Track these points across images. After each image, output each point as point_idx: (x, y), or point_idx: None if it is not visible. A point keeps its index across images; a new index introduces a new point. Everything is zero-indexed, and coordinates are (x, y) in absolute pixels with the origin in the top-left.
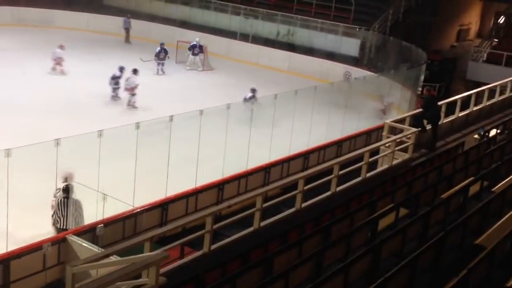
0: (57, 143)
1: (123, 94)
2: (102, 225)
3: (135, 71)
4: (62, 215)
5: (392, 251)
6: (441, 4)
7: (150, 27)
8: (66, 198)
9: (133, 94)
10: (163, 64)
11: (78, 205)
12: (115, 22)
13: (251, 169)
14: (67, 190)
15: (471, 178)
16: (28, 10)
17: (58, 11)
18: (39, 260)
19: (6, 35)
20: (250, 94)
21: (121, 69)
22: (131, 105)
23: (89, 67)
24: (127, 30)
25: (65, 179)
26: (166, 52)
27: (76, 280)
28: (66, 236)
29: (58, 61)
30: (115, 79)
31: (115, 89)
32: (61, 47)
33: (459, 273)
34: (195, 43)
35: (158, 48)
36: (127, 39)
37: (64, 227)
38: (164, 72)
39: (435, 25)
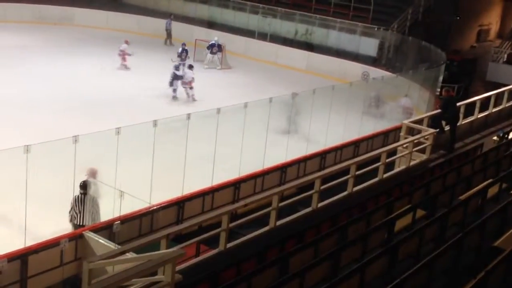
0: (76, 140)
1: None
2: (119, 222)
3: (190, 67)
4: (79, 212)
5: (409, 252)
6: (461, 4)
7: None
8: (83, 194)
9: (191, 88)
10: (184, 64)
11: (94, 201)
12: (134, 20)
13: (268, 168)
14: (84, 186)
15: (490, 180)
16: (48, 8)
17: (78, 9)
18: (56, 255)
19: (27, 32)
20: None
21: (177, 67)
22: (191, 98)
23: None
24: (168, 31)
25: (90, 175)
26: (187, 52)
27: (93, 276)
28: (83, 232)
29: (123, 55)
30: (176, 79)
31: (175, 90)
32: (126, 42)
33: (477, 275)
34: (213, 42)
35: (180, 49)
36: (169, 41)
37: (81, 224)
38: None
39: (455, 25)
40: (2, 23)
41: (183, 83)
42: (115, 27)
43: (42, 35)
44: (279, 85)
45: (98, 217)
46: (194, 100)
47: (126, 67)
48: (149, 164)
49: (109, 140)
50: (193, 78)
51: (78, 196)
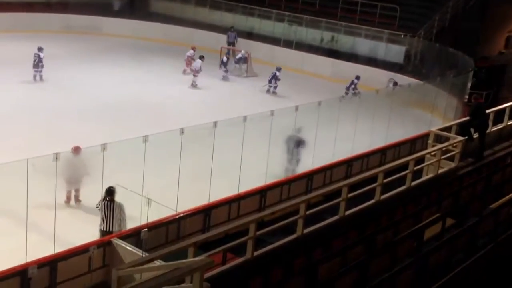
0: (104, 148)
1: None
2: (146, 229)
3: (201, 57)
4: (105, 217)
5: (439, 262)
6: (489, 10)
7: (194, 34)
8: (110, 201)
9: (195, 76)
10: (226, 71)
11: (122, 209)
12: (160, 29)
13: (294, 176)
14: (110, 192)
15: None
16: (76, 18)
17: (106, 18)
18: (85, 262)
19: (55, 41)
20: (356, 81)
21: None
22: (193, 85)
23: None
24: (232, 44)
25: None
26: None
27: (121, 283)
28: (111, 239)
29: (189, 61)
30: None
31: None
32: (193, 48)
33: (511, 286)
34: (241, 56)
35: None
36: (231, 53)
37: (109, 230)
38: (228, 79)
39: (483, 32)
40: (31, 33)
41: (192, 70)
42: (142, 36)
43: (70, 44)
44: (305, 92)
45: (125, 224)
46: (195, 86)
47: (188, 72)
48: (176, 172)
49: (137, 147)
50: (200, 67)
51: (104, 202)
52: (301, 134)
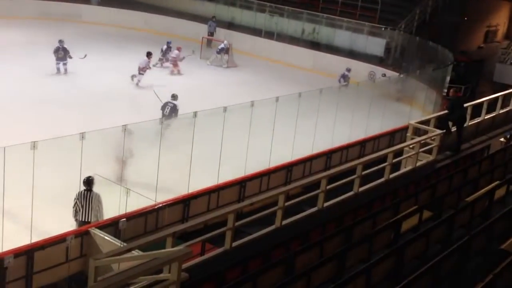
0: (82, 137)
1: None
2: (124, 219)
3: (178, 48)
4: (81, 207)
5: (415, 254)
6: (469, 4)
7: (175, 23)
8: (87, 191)
9: (141, 74)
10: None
11: (98, 199)
12: (141, 18)
13: (273, 167)
14: (88, 182)
15: (497, 182)
16: (55, 4)
17: (85, 5)
18: (62, 252)
19: (32, 28)
20: (347, 73)
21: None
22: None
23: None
24: (211, 34)
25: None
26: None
27: (99, 273)
28: (89, 229)
29: (174, 61)
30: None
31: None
32: (178, 49)
33: (484, 278)
34: (223, 46)
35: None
36: (209, 43)
37: (84, 220)
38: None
39: (462, 26)
40: (7, 19)
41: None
42: (122, 24)
43: (48, 31)
44: (286, 84)
45: (101, 215)
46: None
47: (179, 73)
48: (155, 162)
49: (115, 137)
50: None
51: (82, 192)
52: (176, 101)
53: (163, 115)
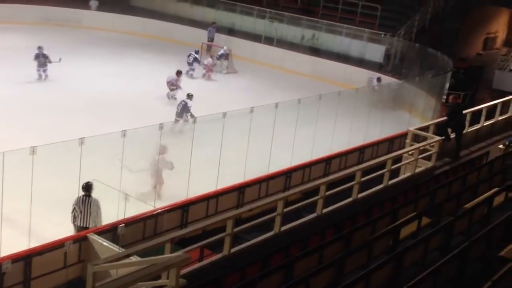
0: (81, 142)
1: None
2: (123, 224)
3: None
4: (80, 212)
5: (414, 260)
6: (468, 11)
7: (175, 29)
8: (86, 196)
9: (173, 89)
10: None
11: (96, 204)
12: (141, 23)
13: (272, 173)
14: (87, 188)
15: (496, 189)
16: (55, 9)
17: (86, 10)
18: (60, 257)
19: (33, 33)
20: (375, 82)
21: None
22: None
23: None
24: (211, 40)
25: (161, 152)
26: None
27: (97, 279)
28: (88, 234)
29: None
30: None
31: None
32: (211, 56)
33: (483, 285)
34: (222, 52)
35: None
36: (209, 49)
37: (82, 225)
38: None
39: (462, 33)
40: (8, 24)
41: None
42: (122, 30)
43: (48, 36)
44: (285, 90)
45: (100, 220)
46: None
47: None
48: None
49: (115, 142)
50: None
51: (81, 197)
52: (190, 100)
53: (176, 112)
